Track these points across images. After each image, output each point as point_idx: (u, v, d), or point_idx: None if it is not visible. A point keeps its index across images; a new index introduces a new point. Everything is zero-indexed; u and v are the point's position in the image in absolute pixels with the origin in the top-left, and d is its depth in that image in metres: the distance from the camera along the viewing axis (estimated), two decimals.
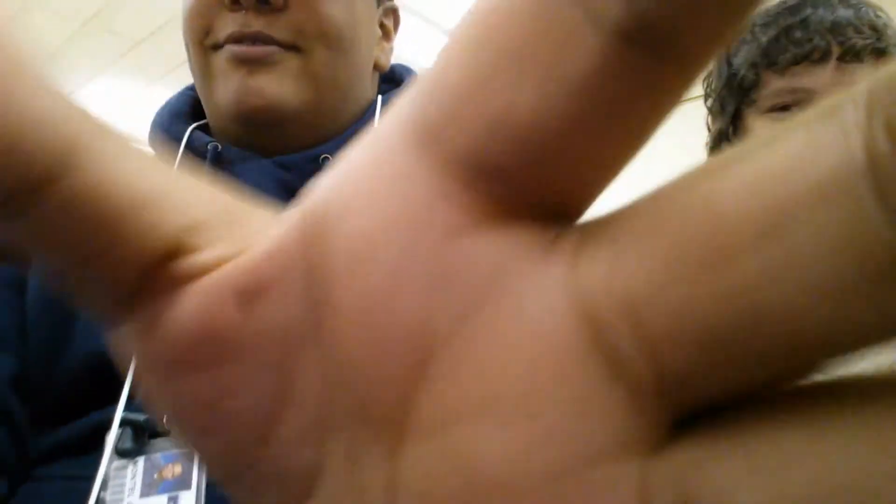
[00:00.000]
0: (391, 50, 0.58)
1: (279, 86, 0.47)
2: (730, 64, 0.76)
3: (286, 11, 0.47)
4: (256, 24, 0.46)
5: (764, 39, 0.71)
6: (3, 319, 0.42)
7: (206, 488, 0.34)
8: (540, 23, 0.07)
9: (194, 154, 0.50)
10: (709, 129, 0.83)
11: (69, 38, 2.88)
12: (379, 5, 0.56)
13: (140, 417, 0.37)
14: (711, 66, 0.83)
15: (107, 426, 0.38)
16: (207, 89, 0.50)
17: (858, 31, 0.68)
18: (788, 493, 0.06)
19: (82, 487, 0.35)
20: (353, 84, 0.52)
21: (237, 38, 0.46)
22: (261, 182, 0.47)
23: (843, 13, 0.69)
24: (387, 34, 0.58)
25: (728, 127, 0.78)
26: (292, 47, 0.47)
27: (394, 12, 0.59)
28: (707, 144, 0.83)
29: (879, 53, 0.68)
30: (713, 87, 0.81)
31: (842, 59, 0.67)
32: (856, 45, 0.67)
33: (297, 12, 0.47)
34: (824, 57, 0.67)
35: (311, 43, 0.48)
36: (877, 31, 0.69)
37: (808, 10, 0.69)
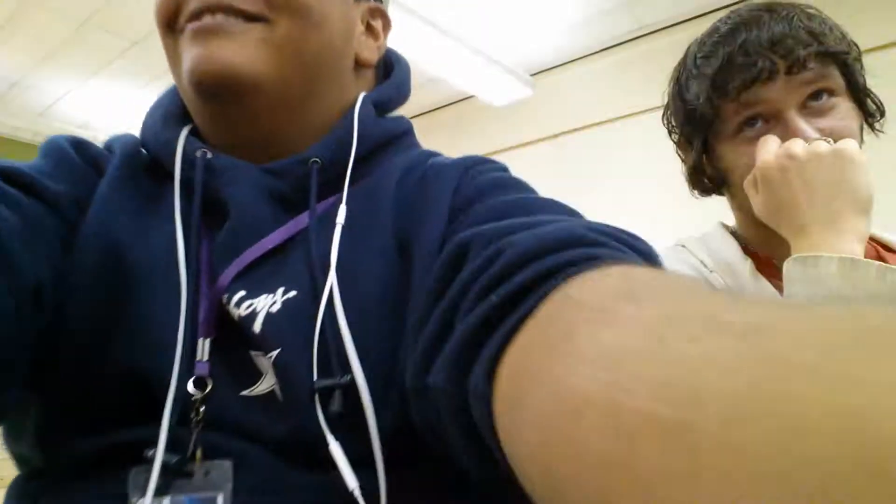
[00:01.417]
0: (377, 48, 0.57)
1: (232, 51, 0.45)
2: (684, 100, 0.77)
3: None
4: None
5: (710, 72, 0.72)
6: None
7: None
8: None
9: (188, 163, 0.48)
10: (683, 161, 0.84)
11: (66, 37, 2.86)
12: (374, 16, 0.56)
13: (173, 461, 0.38)
14: (668, 101, 0.82)
15: (136, 446, 0.38)
16: (177, 73, 0.49)
17: (798, 41, 0.68)
18: None
19: None
20: (322, 62, 0.50)
21: (199, 13, 0.45)
22: (244, 197, 0.46)
23: (778, 28, 0.69)
24: (374, 33, 0.57)
25: (700, 159, 0.79)
26: (256, 17, 0.46)
27: (381, 14, 0.58)
28: (685, 177, 0.83)
29: (824, 56, 0.69)
30: (674, 123, 0.82)
31: (789, 72, 0.69)
32: (799, 56, 0.68)
33: None
34: (771, 75, 0.69)
35: (277, 13, 0.46)
36: (815, 35, 0.69)
37: (744, 34, 0.70)
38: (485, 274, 0.30)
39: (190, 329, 0.41)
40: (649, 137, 2.91)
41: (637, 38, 2.94)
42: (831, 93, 0.71)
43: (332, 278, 0.42)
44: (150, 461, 0.37)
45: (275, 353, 0.40)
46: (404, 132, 0.56)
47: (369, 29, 0.57)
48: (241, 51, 0.45)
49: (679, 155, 0.85)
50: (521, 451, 0.23)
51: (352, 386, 0.39)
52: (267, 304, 0.42)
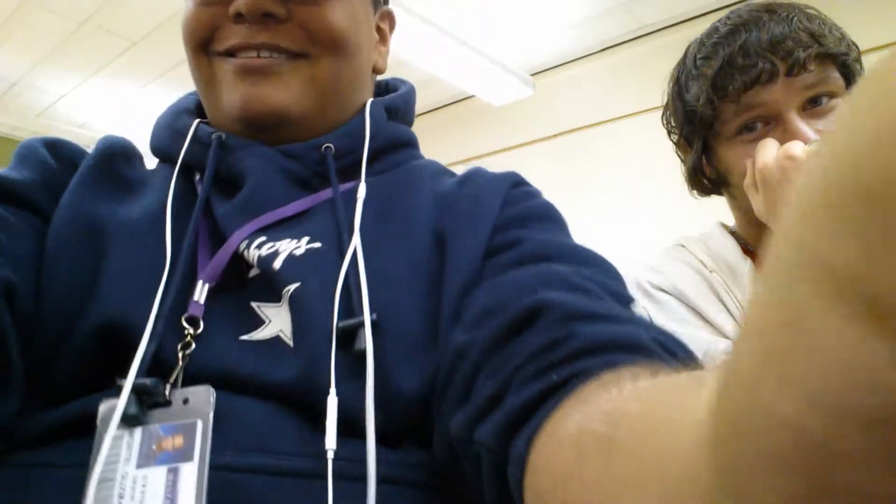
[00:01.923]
0: (387, 53, 0.60)
1: (284, 93, 0.48)
2: (683, 101, 0.77)
3: (290, 21, 0.48)
4: (262, 35, 0.47)
5: (710, 73, 0.72)
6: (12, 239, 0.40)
7: (211, 461, 0.33)
8: None
9: (200, 144, 0.50)
10: (682, 162, 0.84)
11: (66, 37, 2.86)
12: (375, 10, 0.58)
13: (147, 382, 0.35)
14: (667, 101, 0.82)
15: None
16: (211, 94, 0.51)
17: (798, 43, 0.68)
18: None
19: (71, 476, 0.33)
20: (354, 88, 0.54)
21: (242, 49, 0.47)
22: (265, 169, 0.48)
23: (778, 29, 0.69)
24: (383, 38, 0.60)
25: (699, 160, 0.79)
26: (299, 55, 0.49)
27: (389, 16, 0.61)
28: (685, 178, 0.83)
29: (824, 57, 0.69)
30: (674, 124, 0.81)
31: (788, 73, 0.68)
32: (799, 58, 0.67)
33: (302, 21, 0.48)
34: (772, 77, 0.68)
35: (318, 50, 0.49)
36: (815, 36, 0.69)
37: (744, 35, 0.69)
38: (552, 352, 0.32)
39: (181, 278, 0.41)
40: (649, 137, 2.91)
41: (637, 39, 2.94)
42: (831, 95, 0.71)
43: (356, 239, 0.43)
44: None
45: (293, 286, 0.40)
46: (414, 141, 0.59)
47: (379, 33, 0.59)
48: (290, 92, 0.48)
49: (678, 155, 0.85)
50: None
51: (377, 327, 0.39)
52: (290, 247, 0.43)
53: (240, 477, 0.34)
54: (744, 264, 0.76)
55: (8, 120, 3.64)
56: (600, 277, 0.41)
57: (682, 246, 0.82)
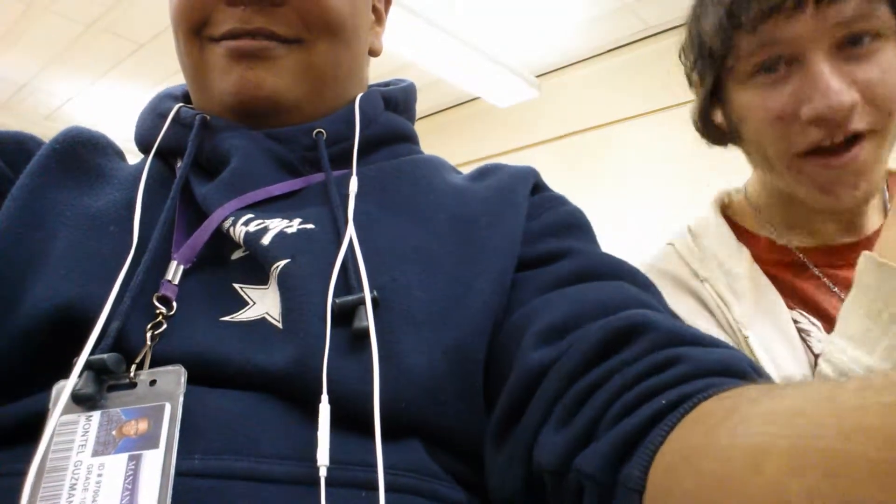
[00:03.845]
0: (382, 33, 0.58)
1: (279, 78, 0.46)
2: (699, 30, 0.64)
3: (286, 5, 0.46)
4: (257, 20, 0.45)
5: None
6: None
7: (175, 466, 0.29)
8: None
9: (181, 126, 0.48)
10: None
11: (74, 40, 2.88)
12: None
13: (104, 357, 0.31)
14: (685, 33, 0.70)
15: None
16: (202, 80, 0.49)
17: None
18: None
19: (11, 485, 0.28)
20: (351, 73, 0.52)
21: (237, 34, 0.46)
22: (251, 148, 0.46)
23: None
24: (379, 18, 0.58)
25: (708, 102, 0.67)
26: (295, 40, 0.47)
27: None
28: (693, 123, 0.72)
29: None
30: (690, 59, 0.68)
31: (819, 2, 0.54)
32: None
33: (300, 5, 0.46)
34: (798, 5, 0.54)
35: (315, 35, 0.47)
36: None
37: None
38: (659, 375, 0.31)
39: (153, 260, 0.37)
40: (655, 138, 2.90)
41: (643, 40, 2.92)
42: (875, 35, 0.56)
43: (351, 226, 0.40)
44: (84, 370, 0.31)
45: (282, 262, 0.37)
46: (415, 136, 0.57)
47: (375, 13, 0.57)
48: (284, 78, 0.46)
49: (693, 91, 0.72)
50: None
51: (377, 307, 0.35)
52: (281, 225, 0.40)
53: (210, 484, 0.29)
54: (739, 255, 0.68)
55: (16, 122, 3.66)
56: (657, 297, 0.41)
57: (672, 245, 0.74)
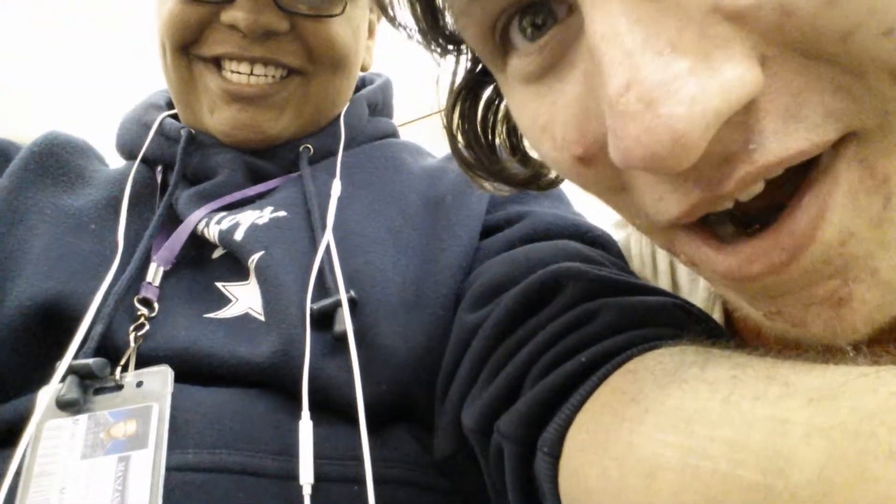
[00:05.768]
0: (374, 46, 0.59)
1: (276, 121, 0.47)
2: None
3: (289, 34, 0.46)
4: (257, 49, 0.45)
5: None
6: None
7: (167, 461, 0.29)
8: None
9: (166, 138, 0.49)
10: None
11: (79, 42, 2.89)
12: (372, 11, 0.56)
13: (89, 362, 0.31)
14: None
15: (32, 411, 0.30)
16: (187, 97, 0.49)
17: None
18: None
19: None
20: (345, 97, 0.53)
21: (233, 59, 0.46)
22: (236, 164, 0.47)
23: None
24: (371, 32, 0.58)
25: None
26: (296, 70, 0.47)
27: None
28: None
29: None
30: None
31: None
32: None
33: (304, 36, 0.46)
34: None
35: (317, 68, 0.48)
36: None
37: None
38: (575, 333, 0.30)
39: (136, 263, 0.38)
40: None
41: None
42: None
43: (332, 206, 0.42)
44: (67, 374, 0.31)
45: (257, 255, 0.38)
46: (395, 132, 0.58)
47: (369, 26, 0.57)
48: (282, 119, 0.48)
49: None
50: None
51: (356, 306, 0.36)
52: (252, 217, 0.41)
53: (203, 478, 0.29)
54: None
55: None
56: (612, 255, 0.39)
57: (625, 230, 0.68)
